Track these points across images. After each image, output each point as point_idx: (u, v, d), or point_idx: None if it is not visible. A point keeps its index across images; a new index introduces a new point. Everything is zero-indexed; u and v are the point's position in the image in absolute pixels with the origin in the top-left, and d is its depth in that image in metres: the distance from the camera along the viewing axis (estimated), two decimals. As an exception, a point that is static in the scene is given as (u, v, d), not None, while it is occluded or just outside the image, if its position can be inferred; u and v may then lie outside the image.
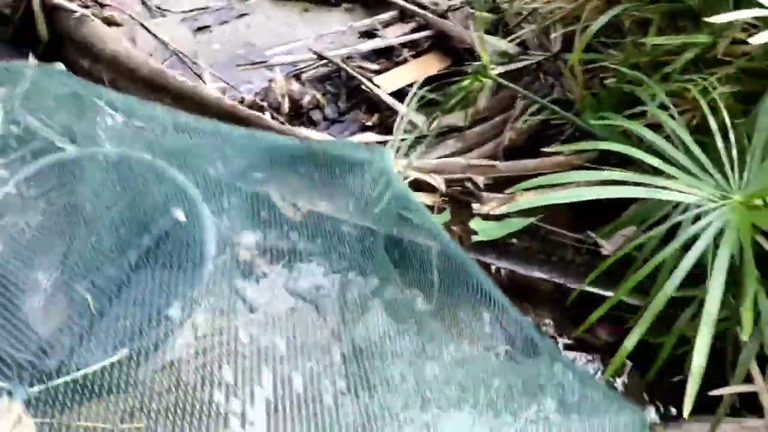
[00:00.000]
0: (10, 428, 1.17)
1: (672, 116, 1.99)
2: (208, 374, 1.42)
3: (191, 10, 3.64)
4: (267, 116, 2.71)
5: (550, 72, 2.91)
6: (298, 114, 3.03)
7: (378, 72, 3.28)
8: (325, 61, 3.26)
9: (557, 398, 1.57)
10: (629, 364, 1.99)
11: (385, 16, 3.68)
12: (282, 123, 2.73)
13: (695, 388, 1.39)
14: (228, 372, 1.43)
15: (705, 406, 1.74)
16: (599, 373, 1.99)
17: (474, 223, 2.27)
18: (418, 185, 2.32)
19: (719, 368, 1.77)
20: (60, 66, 1.87)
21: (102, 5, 3.20)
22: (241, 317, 1.61)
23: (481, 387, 1.55)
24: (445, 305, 1.73)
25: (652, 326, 1.59)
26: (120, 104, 1.79)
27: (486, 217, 2.30)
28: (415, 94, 2.73)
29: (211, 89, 2.78)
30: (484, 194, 2.35)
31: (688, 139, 1.84)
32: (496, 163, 2.49)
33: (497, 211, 2.27)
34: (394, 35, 3.53)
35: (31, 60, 2.49)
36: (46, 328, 1.44)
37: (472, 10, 3.43)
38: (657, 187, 1.69)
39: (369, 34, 3.61)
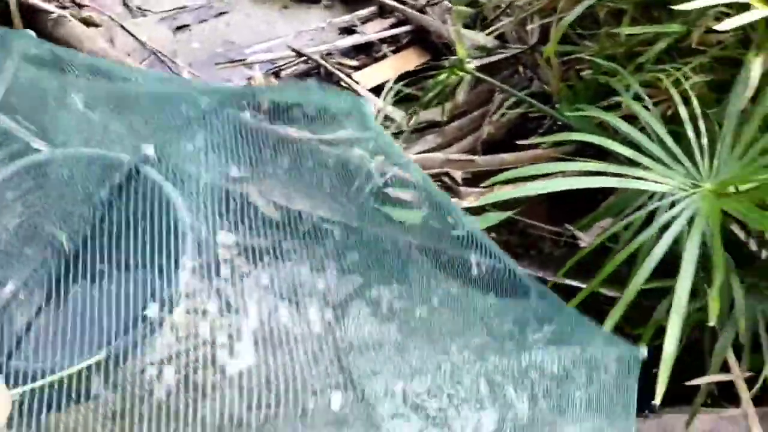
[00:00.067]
0: None
1: (646, 107, 2.00)
2: (189, 376, 1.42)
3: (171, 10, 3.63)
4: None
5: (528, 65, 2.92)
6: (278, 111, 3.02)
7: (357, 68, 3.28)
8: (304, 58, 3.26)
9: (550, 331, 1.57)
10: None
11: (365, 12, 3.68)
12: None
13: (666, 374, 1.41)
14: (209, 372, 1.43)
15: (684, 397, 1.76)
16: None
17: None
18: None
19: (697, 359, 1.79)
20: (30, 32, 1.85)
21: (80, 6, 3.19)
22: (220, 317, 1.62)
23: (473, 326, 1.55)
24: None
25: (631, 318, 1.60)
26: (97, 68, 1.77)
27: (465, 211, 2.30)
28: (391, 89, 2.74)
29: (189, 88, 2.78)
30: (463, 189, 2.35)
31: (660, 130, 1.85)
32: (475, 157, 2.50)
33: (475, 205, 2.27)
34: (373, 31, 3.53)
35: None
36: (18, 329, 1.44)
37: (450, 5, 3.43)
38: (630, 177, 1.70)
39: (348, 30, 3.61)
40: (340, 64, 3.28)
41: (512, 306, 1.63)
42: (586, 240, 2.20)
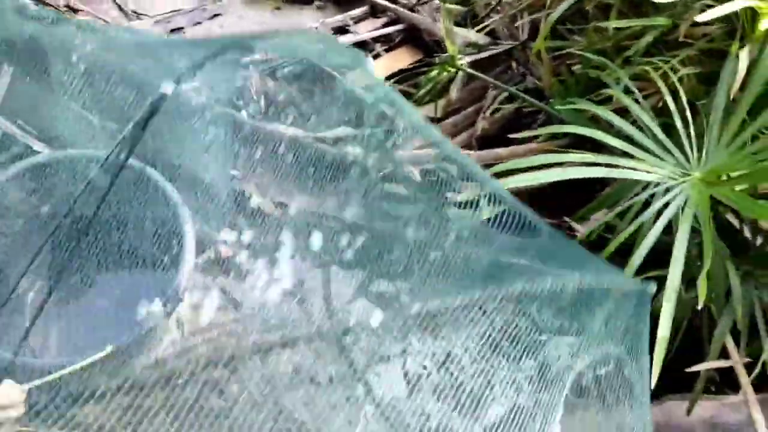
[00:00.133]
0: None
1: (637, 100, 2.04)
2: (195, 373, 1.45)
3: (166, 13, 3.65)
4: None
5: (520, 61, 2.95)
6: (275, 111, 3.05)
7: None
8: (299, 58, 3.28)
9: (563, 261, 1.56)
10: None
11: (357, 11, 3.70)
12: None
13: (661, 357, 1.45)
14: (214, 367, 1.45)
15: (687, 385, 1.79)
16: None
17: (449, 213, 2.31)
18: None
19: (697, 347, 1.83)
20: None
21: (75, 10, 3.21)
22: (224, 314, 1.64)
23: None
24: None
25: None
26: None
27: (461, 205, 2.34)
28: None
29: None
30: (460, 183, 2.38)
31: (650, 122, 1.89)
32: (470, 152, 2.53)
33: (471, 199, 2.30)
34: (365, 30, 3.56)
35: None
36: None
37: (440, 2, 3.47)
38: (622, 167, 1.75)
39: (341, 30, 3.63)
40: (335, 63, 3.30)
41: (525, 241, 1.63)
42: (583, 231, 2.24)
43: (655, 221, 1.65)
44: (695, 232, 1.61)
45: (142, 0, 3.68)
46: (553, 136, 2.37)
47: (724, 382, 1.90)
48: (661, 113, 2.00)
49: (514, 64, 2.98)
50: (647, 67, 2.12)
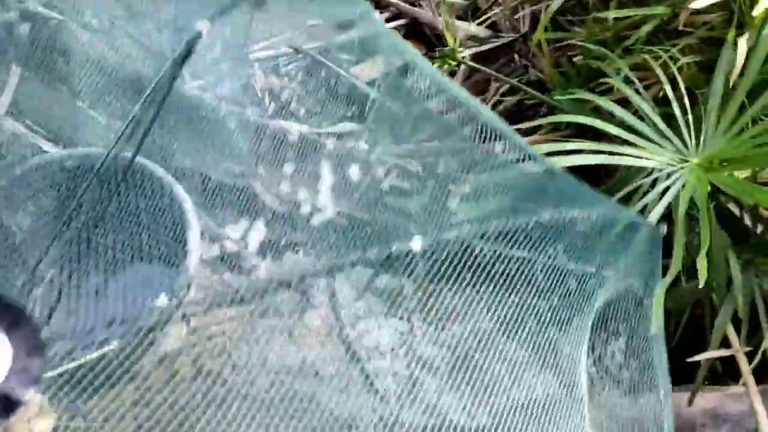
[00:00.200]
0: (30, 418, 1.18)
1: (637, 90, 2.05)
2: (203, 369, 1.46)
3: (169, 12, 3.67)
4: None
5: (522, 53, 2.96)
6: (279, 108, 3.07)
7: (355, 62, 3.32)
8: (302, 54, 3.29)
9: (578, 203, 1.58)
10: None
11: (360, 7, 3.72)
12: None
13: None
14: (224, 365, 1.47)
15: (689, 377, 1.80)
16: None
17: (454, 204, 2.32)
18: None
19: (699, 337, 1.84)
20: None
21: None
22: (230, 310, 1.66)
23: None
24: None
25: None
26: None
27: (464, 197, 2.35)
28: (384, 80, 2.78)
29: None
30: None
31: (650, 112, 1.90)
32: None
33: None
34: (369, 26, 3.57)
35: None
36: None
37: (441, -4, 3.48)
38: (622, 154, 1.76)
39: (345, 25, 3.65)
40: (338, 59, 3.31)
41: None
42: (587, 221, 2.25)
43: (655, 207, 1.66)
44: (697, 221, 1.62)
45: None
46: (556, 128, 2.38)
47: (726, 372, 1.91)
48: (663, 103, 2.01)
49: (516, 57, 2.99)
50: (647, 56, 2.13)
